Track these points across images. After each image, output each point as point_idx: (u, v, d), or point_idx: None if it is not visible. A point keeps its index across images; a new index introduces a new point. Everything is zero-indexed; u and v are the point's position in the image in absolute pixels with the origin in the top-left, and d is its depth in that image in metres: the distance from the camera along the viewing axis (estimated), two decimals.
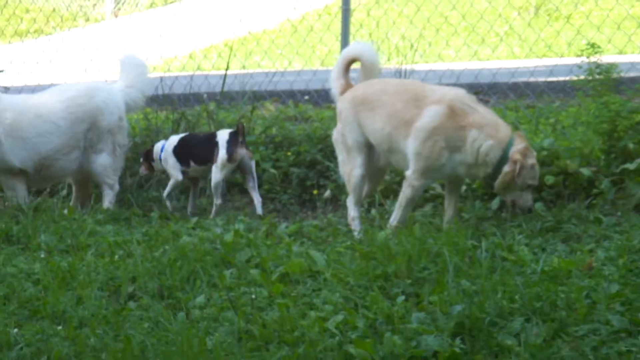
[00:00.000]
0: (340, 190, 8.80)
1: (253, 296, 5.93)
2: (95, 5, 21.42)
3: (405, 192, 7.42)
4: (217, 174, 8.67)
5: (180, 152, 8.95)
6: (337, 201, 8.88)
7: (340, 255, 6.58)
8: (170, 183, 9.03)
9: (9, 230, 7.78)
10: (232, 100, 10.27)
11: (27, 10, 17.27)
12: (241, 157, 8.68)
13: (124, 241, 7.36)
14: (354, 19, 9.50)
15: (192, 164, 8.90)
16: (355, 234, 7.47)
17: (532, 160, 7.18)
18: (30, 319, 5.97)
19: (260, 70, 11.34)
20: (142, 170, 9.23)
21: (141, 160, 9.21)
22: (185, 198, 9.20)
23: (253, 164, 8.80)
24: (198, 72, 11.34)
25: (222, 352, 5.22)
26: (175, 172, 8.96)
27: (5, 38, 17.86)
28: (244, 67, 11.00)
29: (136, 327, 5.69)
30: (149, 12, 19.95)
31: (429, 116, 7.26)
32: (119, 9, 21.62)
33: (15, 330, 5.70)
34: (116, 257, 6.97)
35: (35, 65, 12.86)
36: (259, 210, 8.69)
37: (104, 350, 5.38)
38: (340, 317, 5.46)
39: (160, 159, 9.06)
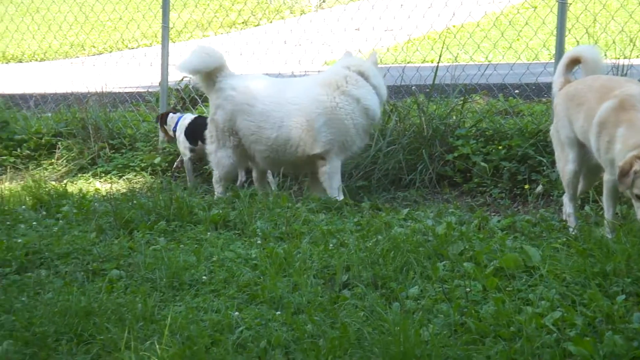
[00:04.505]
0: (552, 185, 8.68)
1: (467, 289, 5.92)
2: None
3: (604, 188, 7.25)
4: None
5: None
6: (549, 196, 8.76)
7: (555, 251, 6.50)
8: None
9: (226, 216, 8.00)
10: (443, 92, 10.26)
11: (234, 2, 17.64)
12: None
13: (337, 230, 7.46)
14: (569, 13, 9.30)
15: None
16: (571, 230, 7.35)
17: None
18: (249, 303, 6.13)
19: (473, 63, 11.29)
20: None
21: None
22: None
23: None
24: (409, 64, 11.37)
25: (438, 344, 5.23)
26: None
27: (213, 29, 18.38)
28: (455, 60, 10.96)
29: (352, 315, 5.77)
30: (354, 5, 20.12)
31: (601, 111, 7.05)
32: (324, 1, 21.90)
33: (237, 313, 5.87)
34: (330, 245, 7.07)
35: (250, 56, 13.15)
36: None
37: (321, 337, 5.48)
38: (557, 314, 5.39)
39: None
